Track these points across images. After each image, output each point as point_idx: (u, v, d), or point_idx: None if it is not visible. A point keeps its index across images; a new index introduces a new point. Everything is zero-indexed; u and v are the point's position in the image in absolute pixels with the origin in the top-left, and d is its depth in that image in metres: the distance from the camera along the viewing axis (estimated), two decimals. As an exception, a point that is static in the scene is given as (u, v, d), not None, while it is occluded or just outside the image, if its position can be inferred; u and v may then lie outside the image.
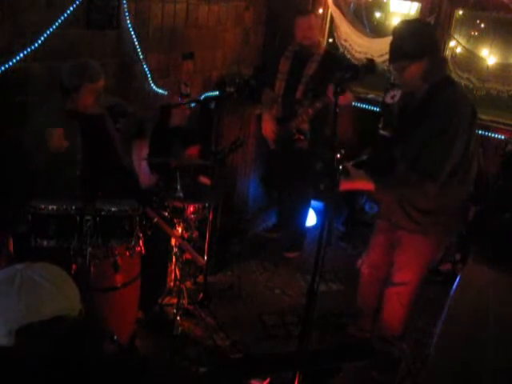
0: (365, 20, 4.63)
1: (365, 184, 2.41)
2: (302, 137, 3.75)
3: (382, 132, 3.02)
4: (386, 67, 4.42)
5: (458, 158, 2.40)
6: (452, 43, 4.25)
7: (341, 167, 2.12)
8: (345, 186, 2.25)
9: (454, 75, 4.19)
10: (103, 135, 2.82)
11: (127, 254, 2.50)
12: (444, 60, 2.60)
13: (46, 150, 2.52)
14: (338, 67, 3.66)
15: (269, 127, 3.87)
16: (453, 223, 2.68)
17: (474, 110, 2.47)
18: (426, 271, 2.80)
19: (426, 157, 2.36)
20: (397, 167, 2.49)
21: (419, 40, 2.35)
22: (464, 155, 2.43)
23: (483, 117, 4.25)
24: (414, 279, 2.76)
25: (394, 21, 5.18)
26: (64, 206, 2.37)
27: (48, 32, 2.80)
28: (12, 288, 1.18)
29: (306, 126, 3.75)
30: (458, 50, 4.25)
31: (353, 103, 4.08)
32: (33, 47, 2.75)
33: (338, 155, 2.13)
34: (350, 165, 2.37)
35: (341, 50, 4.64)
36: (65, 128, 2.59)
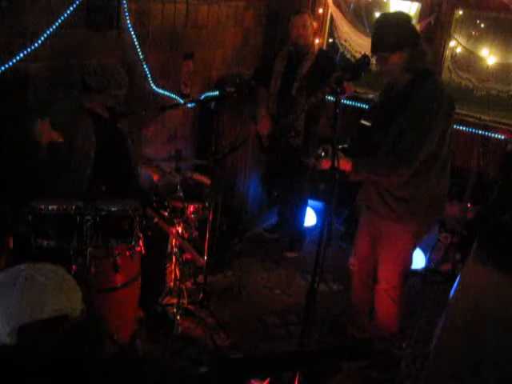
0: (365, 20, 4.63)
1: (343, 163, 2.48)
2: (295, 133, 3.79)
3: (362, 121, 3.08)
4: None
5: (433, 147, 2.48)
6: (452, 43, 4.25)
7: (321, 149, 2.22)
8: (325, 165, 2.37)
9: (453, 75, 4.20)
10: (117, 135, 2.83)
11: (127, 253, 2.50)
12: (424, 51, 2.67)
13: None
14: (331, 65, 3.74)
15: (264, 124, 3.89)
16: (429, 215, 2.73)
17: (451, 103, 2.55)
18: (408, 262, 2.85)
19: (401, 142, 2.46)
20: (375, 154, 2.57)
21: (399, 32, 2.46)
22: (440, 146, 2.51)
23: (483, 117, 4.26)
24: (397, 273, 2.80)
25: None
26: (64, 206, 2.36)
27: (48, 32, 2.79)
28: (15, 287, 1.19)
29: (300, 123, 3.78)
30: (458, 49, 4.25)
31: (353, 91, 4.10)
32: (33, 47, 2.75)
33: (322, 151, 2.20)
34: (330, 146, 2.43)
35: (341, 49, 4.64)
36: (81, 125, 2.61)
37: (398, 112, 2.50)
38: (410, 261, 2.88)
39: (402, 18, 2.59)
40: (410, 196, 2.61)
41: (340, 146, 2.63)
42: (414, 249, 2.90)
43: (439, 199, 2.73)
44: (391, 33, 2.45)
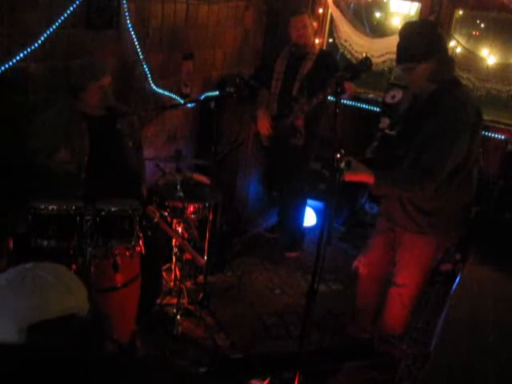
0: (365, 20, 4.64)
1: (366, 176, 2.43)
2: (296, 134, 3.79)
3: (387, 131, 3.03)
4: (386, 68, 4.44)
5: (458, 159, 2.41)
6: (452, 43, 4.25)
7: (344, 160, 2.17)
8: (347, 177, 2.30)
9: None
10: (113, 136, 2.82)
11: (127, 253, 2.50)
12: (451, 60, 2.61)
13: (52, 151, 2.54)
14: (333, 66, 3.74)
15: (264, 124, 3.89)
16: (452, 226, 2.67)
17: (479, 113, 2.48)
18: (427, 273, 2.79)
19: (426, 155, 2.38)
20: (399, 166, 2.50)
21: (426, 42, 2.37)
22: (466, 157, 2.44)
23: (483, 117, 4.26)
24: (415, 281, 2.75)
25: (394, 21, 5.20)
26: (64, 206, 2.37)
27: (48, 32, 2.79)
28: (23, 287, 1.18)
29: (301, 123, 3.78)
30: (458, 50, 4.26)
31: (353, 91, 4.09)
32: (33, 47, 2.75)
33: (338, 155, 2.15)
34: (352, 158, 2.38)
35: (341, 49, 4.64)
36: (73, 129, 2.61)
37: (421, 124, 2.43)
38: (430, 271, 2.81)
39: (427, 28, 2.49)
40: (434, 209, 2.55)
41: (363, 157, 2.58)
42: (434, 261, 2.82)
43: (462, 211, 2.67)
44: (417, 43, 2.36)
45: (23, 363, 1.15)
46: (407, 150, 2.48)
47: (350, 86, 3.57)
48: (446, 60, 2.48)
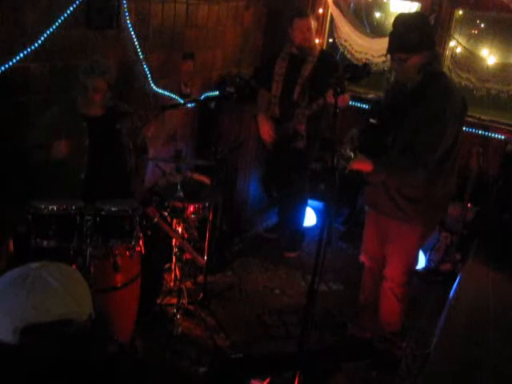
0: (365, 20, 4.63)
1: (364, 164, 2.51)
2: (298, 138, 3.79)
3: (371, 120, 3.04)
4: (386, 68, 4.44)
5: (447, 146, 2.47)
6: (452, 43, 4.25)
7: (349, 151, 2.22)
8: (355, 165, 2.43)
9: (453, 75, 4.20)
10: (112, 136, 2.82)
11: (127, 254, 2.50)
12: (438, 54, 2.68)
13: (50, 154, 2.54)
14: (333, 67, 3.74)
15: (266, 129, 3.87)
16: (435, 215, 2.74)
17: (464, 103, 2.54)
18: (414, 261, 2.87)
19: (418, 141, 2.43)
20: (388, 153, 2.55)
21: (421, 33, 2.41)
22: (453, 145, 2.50)
23: (483, 117, 4.26)
24: (403, 271, 2.81)
25: (394, 21, 5.19)
26: (64, 206, 2.37)
27: (48, 32, 2.80)
28: (23, 287, 1.18)
29: (302, 127, 3.78)
30: (458, 50, 4.26)
31: (349, 103, 4.09)
32: (33, 47, 2.75)
33: (342, 150, 2.20)
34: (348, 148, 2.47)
35: (341, 49, 4.64)
36: (73, 130, 2.60)
37: (410, 112, 2.48)
38: (415, 260, 2.89)
39: (421, 20, 2.54)
40: (421, 196, 2.59)
41: (352, 146, 2.62)
42: (419, 248, 2.90)
43: (446, 199, 2.73)
44: (411, 34, 2.39)
45: (18, 364, 1.15)
46: (395, 138, 2.52)
47: (344, 98, 3.54)
48: (435, 53, 2.54)
